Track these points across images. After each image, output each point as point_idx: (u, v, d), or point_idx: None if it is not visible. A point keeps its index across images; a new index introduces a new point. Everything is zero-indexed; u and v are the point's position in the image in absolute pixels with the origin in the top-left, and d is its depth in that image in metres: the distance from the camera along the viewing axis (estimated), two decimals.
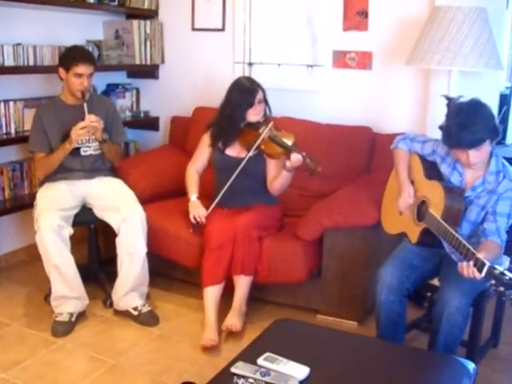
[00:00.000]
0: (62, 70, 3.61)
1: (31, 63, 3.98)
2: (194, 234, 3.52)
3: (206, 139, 3.72)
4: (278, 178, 3.49)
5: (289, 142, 3.38)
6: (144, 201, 3.74)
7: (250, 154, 3.47)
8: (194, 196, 3.59)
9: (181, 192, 3.89)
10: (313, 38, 4.24)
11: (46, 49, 4.07)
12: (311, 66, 4.27)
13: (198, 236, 3.55)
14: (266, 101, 3.61)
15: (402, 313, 2.81)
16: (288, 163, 3.32)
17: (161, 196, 4.07)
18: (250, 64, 4.52)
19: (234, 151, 3.63)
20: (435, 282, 2.94)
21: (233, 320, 3.33)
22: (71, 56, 3.58)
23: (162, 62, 4.93)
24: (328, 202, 3.47)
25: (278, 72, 4.42)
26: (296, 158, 3.27)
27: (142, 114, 5.05)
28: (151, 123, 5.08)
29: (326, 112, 4.25)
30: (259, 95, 3.54)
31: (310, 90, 4.30)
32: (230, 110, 3.53)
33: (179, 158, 4.25)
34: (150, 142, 5.05)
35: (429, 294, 3.08)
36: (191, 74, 4.81)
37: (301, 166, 3.30)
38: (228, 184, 3.46)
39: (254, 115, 3.54)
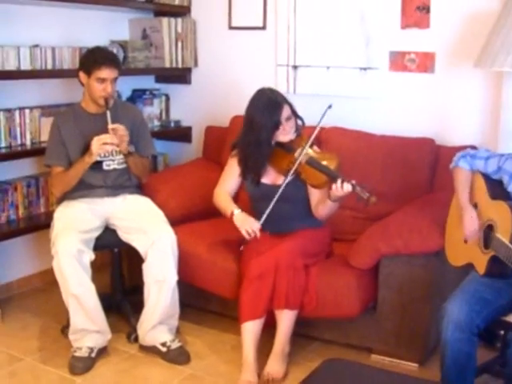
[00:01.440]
0: (82, 75, 3.64)
1: (49, 67, 4.00)
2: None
3: (233, 166, 3.66)
4: (322, 204, 3.43)
5: (331, 165, 3.31)
6: (175, 222, 3.71)
7: (286, 181, 3.40)
8: (236, 210, 3.50)
9: (217, 212, 3.83)
10: (366, 36, 4.21)
11: (65, 50, 4.09)
12: (364, 69, 4.25)
13: (236, 262, 3.53)
14: (294, 114, 3.52)
15: (471, 354, 2.74)
16: (334, 192, 3.23)
17: (194, 217, 4.06)
18: (295, 67, 4.49)
19: (269, 178, 3.58)
20: (511, 318, 2.86)
21: (274, 366, 3.31)
22: (93, 58, 3.60)
23: (195, 64, 4.91)
24: (385, 225, 3.43)
25: (327, 76, 4.39)
26: (342, 187, 3.18)
27: (172, 124, 5.01)
28: (183, 134, 5.04)
29: (382, 121, 4.19)
30: (285, 111, 3.45)
31: (363, 97, 4.26)
32: (254, 135, 3.45)
33: (214, 174, 4.09)
34: (182, 155, 5.01)
35: (503, 333, 3.03)
36: (228, 78, 4.78)
37: (350, 195, 3.22)
38: (265, 216, 3.39)
39: (283, 135, 3.46)
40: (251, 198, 3.67)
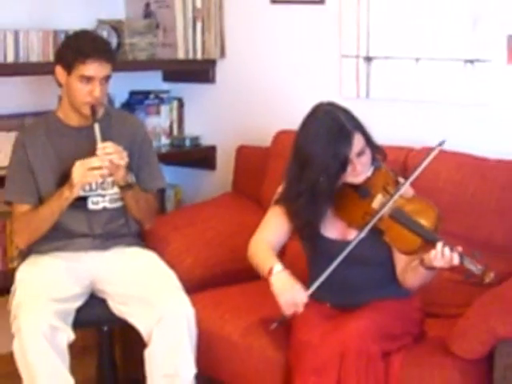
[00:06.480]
0: (60, 71, 3.57)
1: (10, 59, 3.99)
2: (276, 329, 3.30)
3: (279, 215, 3.58)
4: (412, 271, 3.33)
5: (428, 220, 3.20)
6: (192, 288, 3.61)
7: (360, 237, 3.30)
8: (278, 265, 3.31)
9: (255, 274, 3.72)
10: (474, 15, 4.00)
11: (34, 35, 4.05)
12: (471, 62, 4.03)
13: (284, 350, 3.33)
14: (370, 143, 3.35)
15: None
16: (432, 260, 3.13)
17: (220, 280, 3.95)
18: (369, 59, 4.23)
19: (334, 231, 3.45)
20: None
21: None
22: (75, 48, 3.56)
23: (222, 55, 4.74)
24: (503, 295, 3.26)
25: (416, 72, 4.15)
26: (443, 256, 3.08)
27: (187, 142, 4.87)
28: (203, 157, 4.92)
29: (499, 140, 3.97)
30: (357, 143, 3.23)
31: (471, 103, 4.04)
32: (309, 181, 3.31)
33: (250, 216, 4.04)
34: (202, 188, 4.93)
35: None
36: (270, 75, 4.62)
37: (456, 268, 3.09)
38: (317, 284, 3.31)
39: (353, 177, 3.30)
40: (308, 256, 3.52)
